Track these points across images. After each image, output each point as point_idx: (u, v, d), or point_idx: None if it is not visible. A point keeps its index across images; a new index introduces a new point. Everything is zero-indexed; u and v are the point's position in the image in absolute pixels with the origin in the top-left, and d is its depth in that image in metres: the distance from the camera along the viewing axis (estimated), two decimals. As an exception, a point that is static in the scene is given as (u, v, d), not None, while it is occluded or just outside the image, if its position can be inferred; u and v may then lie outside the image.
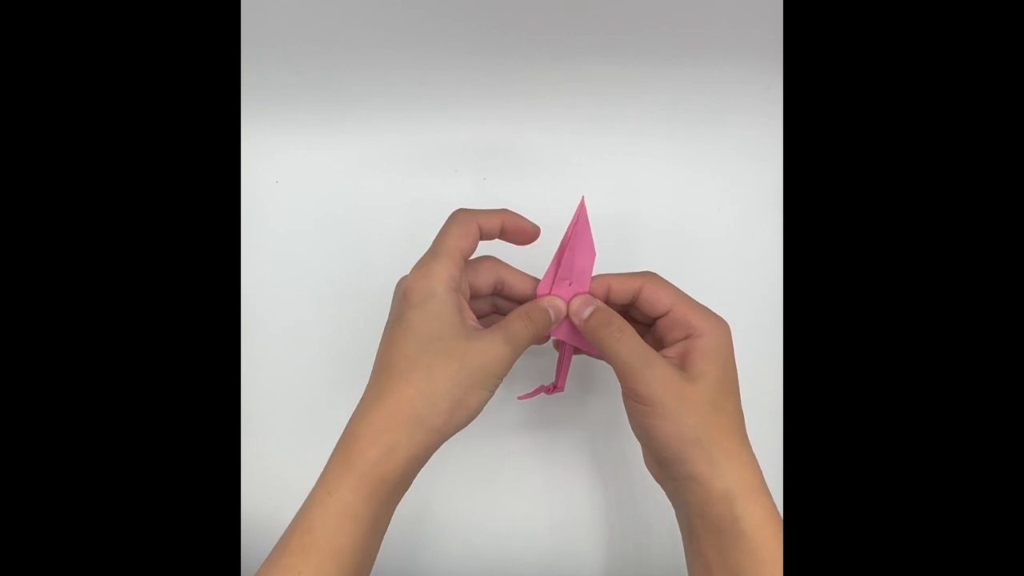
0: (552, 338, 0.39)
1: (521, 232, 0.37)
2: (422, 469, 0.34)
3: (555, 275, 0.37)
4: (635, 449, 0.37)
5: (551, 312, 0.36)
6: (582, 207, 0.36)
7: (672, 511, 0.37)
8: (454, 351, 0.33)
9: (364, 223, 0.53)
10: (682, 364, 0.34)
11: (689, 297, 0.36)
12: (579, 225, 0.36)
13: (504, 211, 0.37)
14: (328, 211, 0.53)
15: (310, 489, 0.33)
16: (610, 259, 0.47)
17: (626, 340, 0.34)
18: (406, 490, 0.34)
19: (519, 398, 0.41)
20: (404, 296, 0.34)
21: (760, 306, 0.49)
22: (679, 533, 0.36)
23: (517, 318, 0.35)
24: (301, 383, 0.50)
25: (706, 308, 0.36)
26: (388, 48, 0.49)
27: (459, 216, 0.36)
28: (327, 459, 0.34)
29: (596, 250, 0.37)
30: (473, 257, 0.37)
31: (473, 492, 0.48)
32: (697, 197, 0.53)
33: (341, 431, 0.34)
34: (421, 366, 0.33)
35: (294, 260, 0.53)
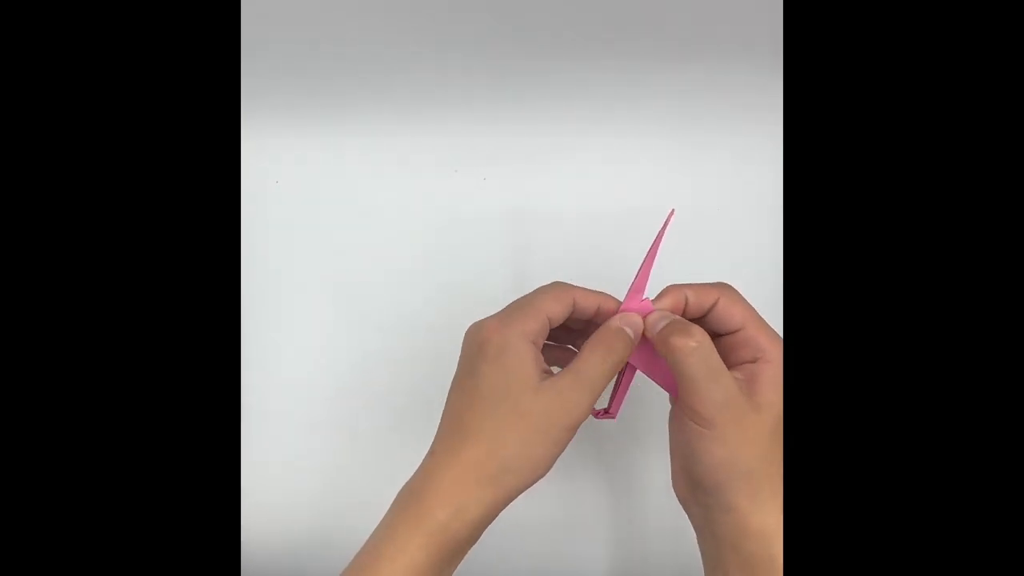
0: None
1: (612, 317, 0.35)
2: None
3: (638, 287, 0.35)
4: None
5: (628, 331, 0.33)
6: (669, 219, 0.34)
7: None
8: (522, 407, 0.31)
9: (364, 223, 0.53)
10: (748, 390, 0.32)
11: (759, 316, 0.34)
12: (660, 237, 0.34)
13: (605, 295, 0.35)
14: (328, 211, 0.54)
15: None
16: (610, 259, 0.47)
17: (700, 353, 0.32)
18: (473, 545, 0.33)
19: None
20: (479, 348, 0.33)
21: (760, 306, 0.49)
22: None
23: (592, 352, 0.33)
24: (300, 383, 0.50)
25: (774, 331, 0.34)
26: (388, 49, 0.49)
27: (557, 284, 0.35)
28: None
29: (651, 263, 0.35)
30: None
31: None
32: (697, 197, 0.53)
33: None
34: (489, 426, 0.32)
35: (294, 260, 0.53)
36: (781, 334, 0.33)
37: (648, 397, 0.39)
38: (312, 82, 0.52)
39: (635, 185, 0.53)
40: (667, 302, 0.34)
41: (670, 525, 0.37)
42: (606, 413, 0.38)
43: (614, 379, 0.37)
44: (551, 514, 0.48)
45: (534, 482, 0.32)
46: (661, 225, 0.34)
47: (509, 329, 0.32)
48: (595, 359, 0.33)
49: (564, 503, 0.48)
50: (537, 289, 0.35)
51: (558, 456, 0.33)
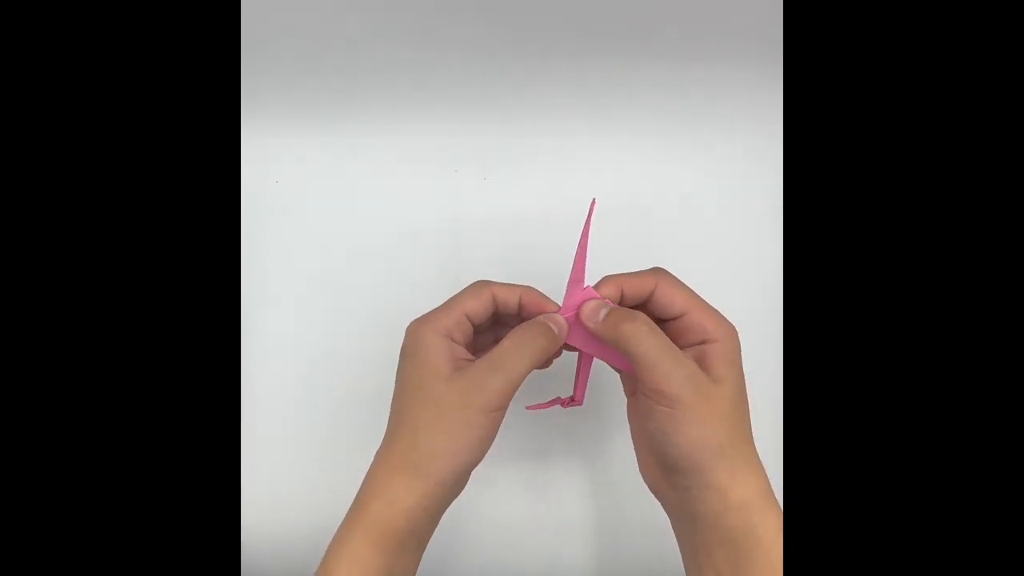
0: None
1: (540, 309, 0.36)
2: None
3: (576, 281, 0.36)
4: (621, 446, 0.36)
5: (552, 327, 0.35)
6: (592, 208, 0.35)
7: (656, 516, 0.36)
8: (433, 396, 0.33)
9: (364, 223, 0.53)
10: (703, 367, 0.33)
11: (701, 299, 0.35)
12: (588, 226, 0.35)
13: (524, 287, 0.36)
14: (328, 211, 0.53)
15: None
16: (611, 260, 0.47)
17: (653, 335, 0.32)
18: (422, 540, 0.34)
19: (527, 408, 0.39)
20: (402, 348, 0.35)
21: (760, 306, 0.49)
22: (660, 530, 0.35)
23: (509, 340, 0.34)
24: (301, 383, 0.50)
25: (718, 312, 0.35)
26: (388, 49, 0.49)
27: (477, 282, 0.36)
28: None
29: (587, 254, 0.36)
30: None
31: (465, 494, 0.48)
32: (697, 197, 0.53)
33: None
34: (409, 418, 0.33)
35: (294, 260, 0.53)
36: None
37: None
38: (312, 82, 0.51)
39: (635, 185, 0.53)
40: (603, 292, 0.35)
41: (651, 521, 0.37)
42: (572, 401, 0.38)
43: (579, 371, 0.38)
44: (531, 515, 0.48)
45: (462, 468, 0.33)
46: (587, 215, 0.35)
47: (423, 327, 0.34)
48: (510, 346, 0.33)
49: (545, 504, 0.48)
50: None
51: (481, 440, 0.33)
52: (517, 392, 0.33)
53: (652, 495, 0.36)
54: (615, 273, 0.36)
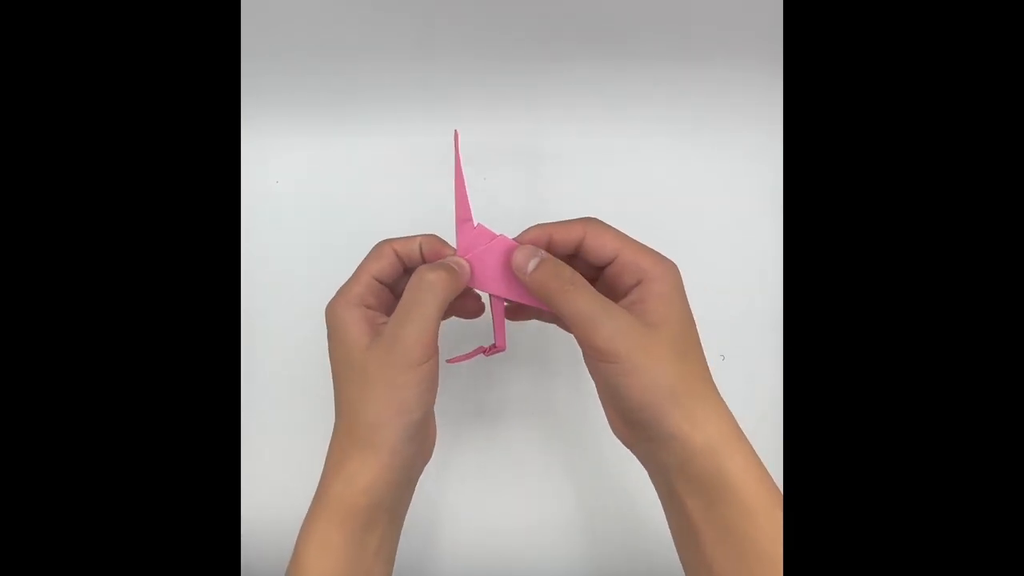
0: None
1: (440, 255, 0.36)
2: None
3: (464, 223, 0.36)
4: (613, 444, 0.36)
5: (453, 266, 0.34)
6: (456, 140, 0.35)
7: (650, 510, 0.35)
8: (357, 367, 0.32)
9: (364, 223, 0.53)
10: (640, 312, 0.32)
11: (634, 240, 0.34)
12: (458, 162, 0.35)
13: (424, 236, 0.36)
14: (328, 211, 0.54)
15: (308, 487, 0.33)
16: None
17: (580, 292, 0.32)
18: (394, 511, 0.34)
19: (448, 361, 0.38)
20: (327, 330, 0.34)
21: (760, 306, 0.49)
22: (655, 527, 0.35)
23: (407, 289, 0.33)
24: (301, 383, 0.50)
25: (654, 250, 0.34)
26: (388, 49, 0.49)
27: (376, 244, 0.36)
28: (323, 459, 0.34)
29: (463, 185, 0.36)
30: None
31: (448, 488, 0.48)
32: (697, 197, 0.53)
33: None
34: (344, 394, 0.33)
35: (294, 260, 0.53)
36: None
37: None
38: (312, 82, 0.52)
39: (635, 185, 0.53)
40: (530, 237, 0.35)
41: (648, 520, 0.36)
42: (493, 348, 0.37)
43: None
44: (526, 514, 0.48)
45: (407, 430, 0.32)
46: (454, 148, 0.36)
47: (335, 303, 0.34)
48: (410, 294, 0.33)
49: (538, 503, 0.48)
50: None
51: (415, 397, 0.32)
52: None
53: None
54: (545, 222, 0.35)
